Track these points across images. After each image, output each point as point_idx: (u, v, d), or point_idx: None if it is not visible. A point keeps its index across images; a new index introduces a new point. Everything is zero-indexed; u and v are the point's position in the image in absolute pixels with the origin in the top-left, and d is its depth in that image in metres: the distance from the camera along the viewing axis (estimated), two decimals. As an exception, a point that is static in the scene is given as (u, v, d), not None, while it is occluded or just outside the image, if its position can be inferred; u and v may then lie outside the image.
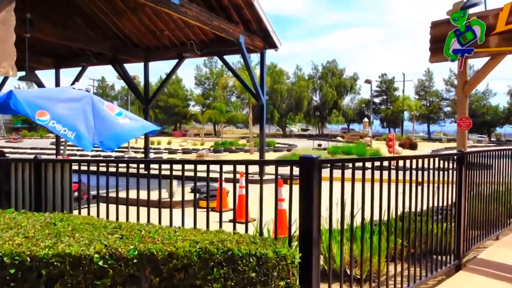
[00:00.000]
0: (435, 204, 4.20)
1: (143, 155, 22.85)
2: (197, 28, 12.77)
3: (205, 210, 4.17)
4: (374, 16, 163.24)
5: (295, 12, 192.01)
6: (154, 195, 7.96)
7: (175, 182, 8.56)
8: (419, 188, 3.99)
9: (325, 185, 3.36)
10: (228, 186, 7.89)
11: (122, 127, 5.54)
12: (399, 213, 3.74)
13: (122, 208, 4.33)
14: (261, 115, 13.12)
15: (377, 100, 65.89)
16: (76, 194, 8.66)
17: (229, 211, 7.53)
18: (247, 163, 3.47)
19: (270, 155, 24.25)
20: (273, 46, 12.87)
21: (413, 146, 31.20)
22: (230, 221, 4.55)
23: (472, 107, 59.10)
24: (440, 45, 5.93)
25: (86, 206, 8.43)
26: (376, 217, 3.79)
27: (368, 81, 29.64)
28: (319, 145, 28.95)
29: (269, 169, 13.60)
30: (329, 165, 3.12)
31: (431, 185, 4.17)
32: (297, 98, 62.64)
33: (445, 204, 4.39)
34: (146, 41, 13.94)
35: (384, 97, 66.77)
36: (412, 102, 46.19)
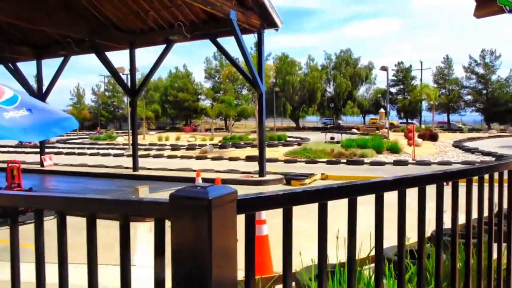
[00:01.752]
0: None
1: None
2: (185, 7, 11.09)
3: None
4: (389, 6, 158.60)
5: (311, 4, 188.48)
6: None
7: (146, 188, 6.91)
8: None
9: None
10: None
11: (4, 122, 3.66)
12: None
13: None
14: (261, 106, 11.38)
15: (393, 90, 63.15)
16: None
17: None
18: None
19: (279, 150, 22.51)
20: (273, 24, 11.09)
21: (433, 137, 28.96)
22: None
23: (494, 94, 56.05)
24: (490, -7, 4.10)
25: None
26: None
27: (384, 68, 27.52)
28: (332, 138, 27.01)
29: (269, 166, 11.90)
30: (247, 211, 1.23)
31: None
32: (310, 89, 60.48)
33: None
34: (130, 24, 12.33)
35: (401, 86, 63.98)
36: (431, 90, 43.55)
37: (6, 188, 6.91)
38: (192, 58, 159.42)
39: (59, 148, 28.83)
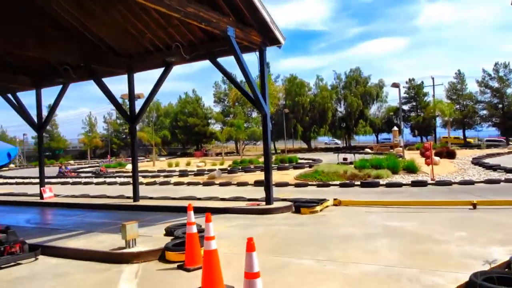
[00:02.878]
0: None
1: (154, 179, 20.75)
2: (182, 27, 10.58)
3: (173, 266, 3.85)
4: (394, 26, 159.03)
5: (317, 27, 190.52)
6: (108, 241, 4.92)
7: (134, 224, 6.12)
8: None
9: None
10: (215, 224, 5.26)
11: None
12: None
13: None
14: (266, 128, 10.62)
15: (406, 107, 62.04)
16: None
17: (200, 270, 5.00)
18: None
19: (289, 173, 21.59)
20: (275, 41, 10.47)
21: (451, 155, 27.72)
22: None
23: (510, 108, 54.44)
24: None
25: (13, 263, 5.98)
26: None
27: (396, 85, 26.67)
28: (345, 159, 25.99)
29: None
30: None
31: None
32: (321, 110, 59.77)
33: None
34: (127, 47, 11.87)
35: (414, 103, 62.84)
36: (445, 106, 42.34)
37: (-19, 227, 6.24)
38: (201, 83, 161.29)
39: (67, 177, 28.45)
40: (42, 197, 14.31)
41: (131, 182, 13.41)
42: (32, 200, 14.51)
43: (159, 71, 11.83)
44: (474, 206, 8.89)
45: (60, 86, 13.92)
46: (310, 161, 30.43)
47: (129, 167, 35.08)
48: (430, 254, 5.51)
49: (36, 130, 14.73)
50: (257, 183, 17.00)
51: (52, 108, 14.47)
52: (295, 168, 24.52)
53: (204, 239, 4.54)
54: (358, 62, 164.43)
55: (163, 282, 5.00)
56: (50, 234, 7.98)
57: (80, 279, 5.33)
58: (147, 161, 46.84)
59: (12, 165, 54.94)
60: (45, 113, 16.10)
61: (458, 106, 57.17)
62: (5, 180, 29.24)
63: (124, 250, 6.07)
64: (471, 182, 14.38)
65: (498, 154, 30.87)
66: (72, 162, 56.99)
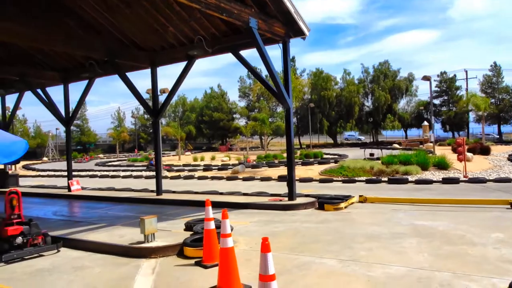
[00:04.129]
0: None
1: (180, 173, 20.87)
2: (204, 20, 10.43)
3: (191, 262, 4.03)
4: (428, 17, 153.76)
5: (345, 20, 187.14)
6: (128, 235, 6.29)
7: (153, 219, 6.03)
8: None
9: None
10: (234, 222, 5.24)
11: None
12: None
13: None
14: (289, 122, 10.35)
15: (436, 101, 59.97)
16: (19, 239, 6.48)
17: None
18: None
19: (314, 168, 21.22)
20: (299, 33, 10.15)
21: (485, 151, 26.50)
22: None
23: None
24: None
25: (36, 255, 6.03)
26: None
27: (426, 78, 25.69)
28: (371, 154, 25.34)
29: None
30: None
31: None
32: (347, 104, 58.70)
33: None
34: (150, 42, 11.85)
35: (445, 97, 60.66)
36: (479, 99, 40.53)
37: (5, 220, 6.31)
38: (227, 78, 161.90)
39: (95, 171, 29.12)
40: (69, 190, 14.62)
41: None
42: (60, 193, 14.84)
43: (183, 66, 11.77)
44: None
45: (86, 81, 14.14)
46: (336, 156, 29.87)
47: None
48: (463, 257, 5.12)
49: (64, 124, 15.01)
50: (280, 178, 16.75)
51: (79, 102, 14.68)
52: (320, 163, 24.09)
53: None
54: (387, 55, 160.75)
55: (179, 279, 4.87)
56: (74, 226, 8.06)
57: (97, 273, 5.28)
58: (173, 155, 47.41)
59: (45, 158, 56.96)
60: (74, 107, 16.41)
61: (493, 100, 54.74)
62: (37, 173, 30.27)
63: (143, 245, 6.00)
64: (508, 180, 13.60)
65: (536, 151, 29.27)
66: (101, 155, 58.50)
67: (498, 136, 54.86)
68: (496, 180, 13.64)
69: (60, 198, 14.13)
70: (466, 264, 4.83)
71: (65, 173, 18.64)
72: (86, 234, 7.14)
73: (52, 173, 28.89)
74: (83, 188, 15.37)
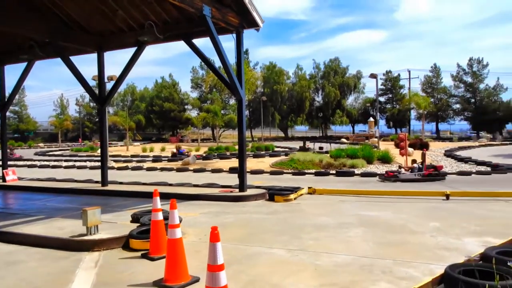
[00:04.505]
0: None
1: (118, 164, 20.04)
2: (156, 5, 10.05)
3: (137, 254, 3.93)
4: (374, 18, 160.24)
5: (298, 16, 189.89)
6: (68, 228, 6.00)
7: (96, 210, 5.73)
8: None
9: None
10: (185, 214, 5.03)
11: None
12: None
13: None
14: (241, 113, 10.30)
15: (382, 99, 62.84)
16: None
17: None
18: None
19: (265, 161, 21.42)
20: (253, 24, 10.09)
21: (424, 146, 28.21)
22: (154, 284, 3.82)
23: (482, 103, 55.92)
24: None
25: None
26: None
27: (373, 76, 26.79)
28: (321, 148, 26.07)
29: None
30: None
31: None
32: (299, 99, 59.87)
33: None
34: (97, 25, 11.23)
35: (390, 95, 63.74)
36: (420, 98, 42.99)
37: None
38: (179, 68, 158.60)
39: (34, 160, 27.35)
40: (4, 180, 13.59)
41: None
42: (-6, 183, 13.75)
43: (132, 53, 11.26)
44: (447, 197, 8.91)
45: (25, 64, 13.14)
46: (286, 149, 30.37)
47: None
48: (404, 245, 5.39)
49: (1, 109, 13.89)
50: (232, 170, 16.73)
51: (16, 86, 13.62)
52: (271, 156, 24.38)
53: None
54: (337, 53, 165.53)
55: (125, 272, 4.68)
56: (8, 219, 7.47)
57: (33, 267, 4.93)
58: (121, 145, 45.72)
59: (-23, 147, 52.61)
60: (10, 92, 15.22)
61: (432, 100, 58.32)
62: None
63: (85, 237, 5.69)
64: (444, 173, 14.56)
65: (469, 147, 31.66)
66: (41, 144, 55.07)
67: (435, 133, 58.64)
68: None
69: (-6, 189, 13.09)
70: (406, 251, 5.08)
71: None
72: (21, 227, 6.65)
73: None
74: (19, 179, 14.35)
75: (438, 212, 7.62)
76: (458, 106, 59.31)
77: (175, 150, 26.79)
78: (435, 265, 4.43)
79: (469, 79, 57.18)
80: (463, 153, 24.37)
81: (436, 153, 25.48)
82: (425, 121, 54.68)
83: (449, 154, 23.19)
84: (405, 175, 13.37)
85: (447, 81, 70.37)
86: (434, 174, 13.49)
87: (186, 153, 26.20)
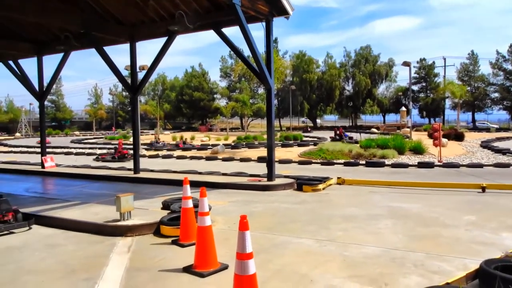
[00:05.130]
0: None
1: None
2: (187, -6, 10.10)
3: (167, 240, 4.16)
4: (410, 4, 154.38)
5: (329, 3, 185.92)
6: (103, 213, 6.21)
7: (129, 197, 5.91)
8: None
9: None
10: (214, 202, 4.25)
11: None
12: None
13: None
14: (270, 103, 10.27)
15: (415, 87, 60.92)
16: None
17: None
18: None
19: (293, 150, 21.35)
20: (283, 12, 9.97)
21: (459, 137, 27.24)
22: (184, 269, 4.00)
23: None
24: None
25: (6, 232, 5.85)
26: None
27: (406, 64, 25.96)
28: (351, 138, 25.66)
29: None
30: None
31: None
32: (328, 88, 58.96)
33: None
34: (129, 16, 11.43)
35: (423, 84, 61.68)
36: (456, 87, 41.36)
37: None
38: (209, 57, 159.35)
39: (70, 148, 28.42)
40: (43, 167, 14.21)
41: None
42: (33, 169, 14.42)
43: (162, 43, 11.41)
44: (483, 189, 8.58)
45: (62, 54, 13.58)
46: (315, 139, 30.11)
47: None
48: (437, 238, 5.25)
49: (38, 98, 14.46)
50: (260, 159, 16.76)
51: (54, 76, 14.13)
52: (299, 145, 24.24)
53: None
54: (369, 40, 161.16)
55: (156, 258, 4.81)
56: (47, 203, 7.83)
57: (70, 250, 5.16)
58: (152, 134, 46.74)
59: (17, 134, 55.22)
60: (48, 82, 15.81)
61: (469, 88, 56.00)
62: (9, 149, 29.30)
63: (118, 223, 5.88)
64: (480, 165, 14.01)
65: (508, 138, 30.27)
66: (77, 133, 57.14)
67: (472, 123, 56.41)
68: (469, 165, 14.02)
69: (33, 175, 13.73)
70: (439, 245, 4.95)
71: (39, 150, 18.14)
72: (59, 211, 6.96)
73: (25, 149, 28.03)
74: (57, 165, 14.97)
75: (473, 205, 7.35)
76: (496, 94, 56.70)
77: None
78: (469, 259, 4.30)
79: (509, 67, 54.42)
80: (501, 144, 23.33)
81: (471, 144, 24.54)
82: (461, 111, 52.61)
83: (485, 145, 22.25)
84: None
85: (485, 68, 67.34)
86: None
87: (160, 142, 29.24)
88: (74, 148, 28.25)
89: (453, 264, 4.22)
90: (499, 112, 58.85)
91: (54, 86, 14.22)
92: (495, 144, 23.45)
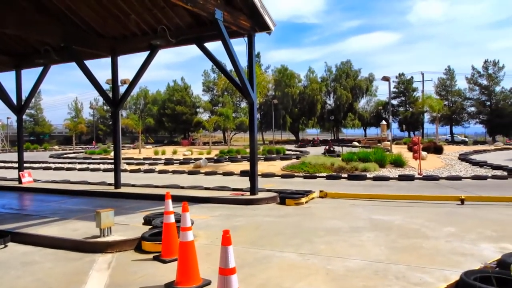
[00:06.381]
0: None
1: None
2: (169, 10, 10.14)
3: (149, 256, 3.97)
4: (389, 20, 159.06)
5: (310, 19, 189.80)
6: (82, 229, 6.04)
7: (109, 212, 5.80)
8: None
9: None
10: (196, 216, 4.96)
11: None
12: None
13: None
14: (252, 116, 10.31)
15: (394, 102, 62.32)
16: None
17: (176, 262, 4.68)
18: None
19: (276, 164, 21.40)
20: (265, 27, 10.11)
21: (438, 150, 27.86)
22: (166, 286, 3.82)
23: (498, 106, 55.03)
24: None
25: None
26: None
27: (386, 78, 26.58)
28: (333, 151, 25.91)
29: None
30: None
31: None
32: (310, 102, 59.70)
33: None
34: (110, 29, 11.38)
35: (403, 98, 63.18)
36: (434, 101, 42.49)
37: None
38: (191, 71, 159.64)
39: (49, 163, 27.78)
40: (20, 182, 13.83)
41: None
42: (10, 185, 14.00)
43: (144, 57, 11.38)
44: (462, 201, 8.77)
45: (41, 68, 13.39)
46: (298, 152, 30.29)
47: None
48: (418, 250, 5.31)
49: (16, 112, 14.16)
50: (243, 173, 16.74)
51: (33, 90, 13.87)
52: (282, 159, 24.34)
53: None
54: (349, 55, 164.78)
55: (137, 274, 4.71)
56: (24, 220, 7.60)
57: (48, 268, 5.00)
58: (133, 148, 46.18)
59: (-6, 149, 53.69)
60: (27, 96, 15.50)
61: (446, 102, 57.62)
62: (-15, 164, 28.42)
63: (98, 239, 5.75)
64: (459, 178, 14.34)
65: (485, 151, 31.15)
66: (56, 147, 55.96)
67: (450, 137, 57.87)
68: (448, 178, 14.33)
69: (10, 191, 13.31)
70: (420, 256, 5.01)
71: (16, 165, 17.65)
72: (36, 228, 6.76)
73: (2, 164, 27.28)
74: (35, 181, 14.59)
75: (453, 217, 7.49)
76: (473, 109, 58.49)
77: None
78: (450, 271, 4.36)
79: (484, 82, 56.37)
80: (478, 157, 23.97)
81: (450, 156, 25.12)
82: (439, 124, 53.98)
83: (463, 158, 22.83)
84: None
85: (461, 83, 69.60)
86: None
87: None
88: (53, 163, 27.63)
89: (434, 275, 4.28)
90: (476, 126, 60.71)
91: (33, 100, 13.93)
92: (473, 157, 24.08)
